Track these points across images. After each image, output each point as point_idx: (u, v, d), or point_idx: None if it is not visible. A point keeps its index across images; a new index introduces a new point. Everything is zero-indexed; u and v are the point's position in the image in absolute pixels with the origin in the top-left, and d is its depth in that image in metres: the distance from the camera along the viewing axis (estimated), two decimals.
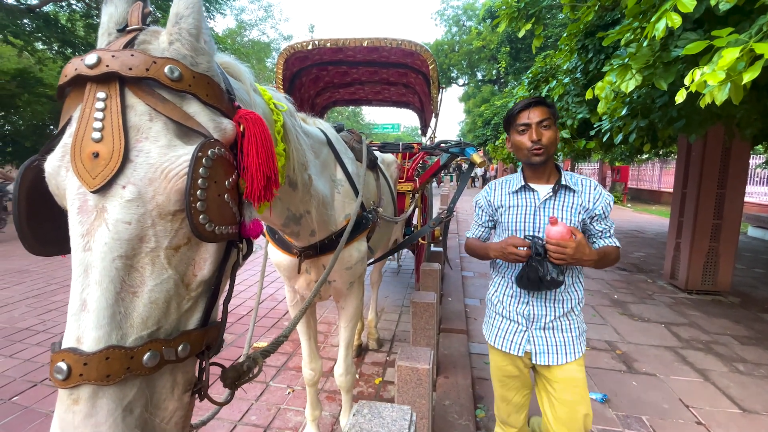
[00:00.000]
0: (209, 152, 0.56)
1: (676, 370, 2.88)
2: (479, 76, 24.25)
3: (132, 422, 0.52)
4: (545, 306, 1.44)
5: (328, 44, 2.81)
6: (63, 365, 0.48)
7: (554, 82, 3.89)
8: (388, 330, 3.48)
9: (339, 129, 1.89)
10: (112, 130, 0.53)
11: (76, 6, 11.32)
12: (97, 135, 0.53)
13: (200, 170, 0.55)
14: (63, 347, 0.50)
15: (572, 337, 1.43)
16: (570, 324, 1.43)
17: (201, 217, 0.55)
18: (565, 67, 3.79)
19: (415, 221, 3.74)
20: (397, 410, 1.04)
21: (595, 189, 1.41)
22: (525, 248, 1.32)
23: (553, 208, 1.40)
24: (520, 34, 2.98)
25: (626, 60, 2.08)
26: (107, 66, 0.54)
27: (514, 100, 5.21)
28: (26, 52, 10.65)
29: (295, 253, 1.51)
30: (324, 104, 4.14)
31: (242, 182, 0.64)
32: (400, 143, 2.37)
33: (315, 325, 1.99)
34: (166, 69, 0.56)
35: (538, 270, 1.28)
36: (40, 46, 11.15)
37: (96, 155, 0.52)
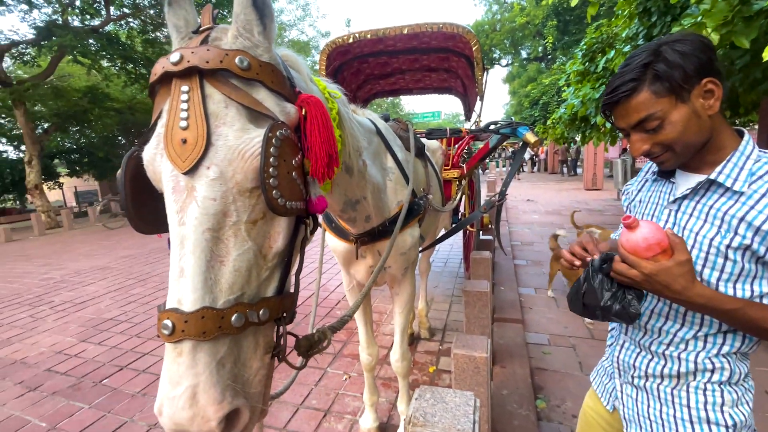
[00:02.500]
0: (278, 133, 0.62)
1: (763, 361, 2.60)
2: (524, 54, 23.01)
3: (225, 374, 0.60)
4: (637, 351, 0.94)
5: (369, 35, 2.82)
6: (168, 322, 0.57)
7: (612, 52, 3.56)
8: (439, 319, 3.47)
9: (385, 119, 1.90)
10: (195, 118, 0.61)
11: (133, 23, 12.24)
12: (183, 123, 0.61)
13: (271, 149, 0.61)
14: (167, 307, 0.59)
15: (689, 419, 0.85)
16: (688, 396, 0.85)
17: (274, 192, 0.61)
18: (624, 35, 3.45)
19: (462, 209, 3.67)
20: (459, 396, 1.03)
21: None
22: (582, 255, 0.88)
23: (688, 215, 0.84)
24: (573, 3, 2.75)
25: (699, 18, 1.86)
26: (188, 61, 0.62)
27: (565, 78, 4.82)
28: (94, 70, 11.69)
29: (352, 240, 1.55)
30: (365, 97, 4.16)
31: (306, 162, 0.70)
32: (447, 129, 2.32)
33: (371, 311, 2.04)
34: (236, 59, 0.63)
35: (595, 292, 0.84)
36: (105, 63, 12.21)
37: (184, 141, 0.60)
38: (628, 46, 3.35)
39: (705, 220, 0.81)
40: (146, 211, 0.70)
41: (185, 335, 0.57)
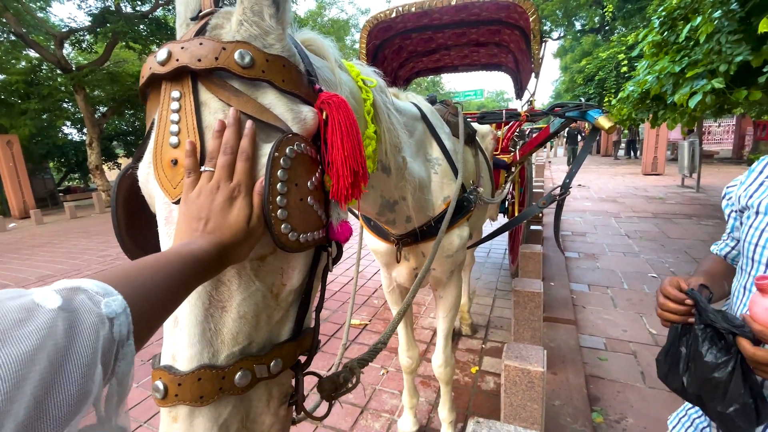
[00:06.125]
0: (287, 150, 0.50)
1: None
2: (578, 26, 21.20)
3: None
4: None
5: (413, 8, 2.60)
6: (160, 384, 0.49)
7: (698, 19, 3.03)
8: (482, 315, 3.28)
9: (431, 101, 1.70)
10: (187, 133, 0.50)
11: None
12: (174, 140, 0.50)
13: (278, 173, 0.49)
14: (161, 364, 0.51)
15: None
16: None
17: (283, 226, 0.50)
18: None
19: (510, 198, 3.40)
20: None
21: None
22: (681, 306, 0.70)
23: None
24: None
25: None
26: (177, 60, 0.49)
27: (639, 49, 4.20)
28: (144, 55, 12.17)
29: (393, 241, 1.41)
30: (407, 76, 3.93)
31: (327, 179, 0.57)
32: (504, 111, 2.07)
33: (411, 312, 1.90)
34: (236, 55, 0.50)
35: (710, 366, 0.62)
36: (154, 48, 12.64)
37: (175, 162, 0.50)
38: (719, 11, 2.83)
39: None
40: (144, 236, 0.59)
41: (179, 400, 0.48)
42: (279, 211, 0.49)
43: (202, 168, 0.50)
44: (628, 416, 2.08)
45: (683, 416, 0.89)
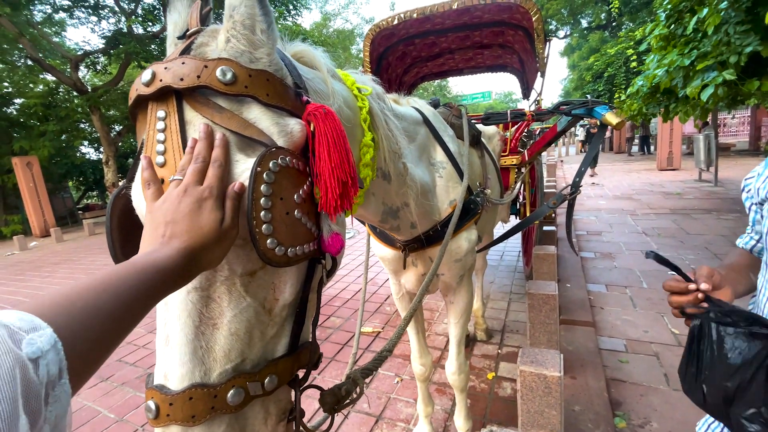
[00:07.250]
0: (271, 164, 0.50)
1: None
2: (584, 23, 21.04)
3: None
4: None
5: (415, 15, 2.61)
6: (152, 404, 0.49)
7: (705, 10, 2.96)
8: (497, 320, 3.22)
9: (435, 104, 1.69)
10: (173, 152, 0.50)
11: None
12: (160, 159, 0.51)
13: (261, 188, 0.49)
14: (154, 383, 0.51)
15: None
16: None
17: (268, 241, 0.49)
18: None
19: (521, 198, 3.36)
20: None
21: None
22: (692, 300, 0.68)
23: None
24: None
25: None
26: (161, 80, 0.50)
27: (646, 43, 4.15)
28: None
29: (399, 247, 1.39)
30: (412, 81, 3.94)
31: (317, 191, 0.56)
32: (508, 111, 2.05)
33: (422, 318, 1.88)
34: (217, 72, 0.50)
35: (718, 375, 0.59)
36: None
37: (162, 182, 0.51)
38: (725, 1, 2.76)
39: None
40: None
41: (171, 420, 0.48)
42: (264, 225, 0.49)
43: (171, 177, 0.49)
44: (653, 420, 2.00)
45: (713, 422, 0.85)
